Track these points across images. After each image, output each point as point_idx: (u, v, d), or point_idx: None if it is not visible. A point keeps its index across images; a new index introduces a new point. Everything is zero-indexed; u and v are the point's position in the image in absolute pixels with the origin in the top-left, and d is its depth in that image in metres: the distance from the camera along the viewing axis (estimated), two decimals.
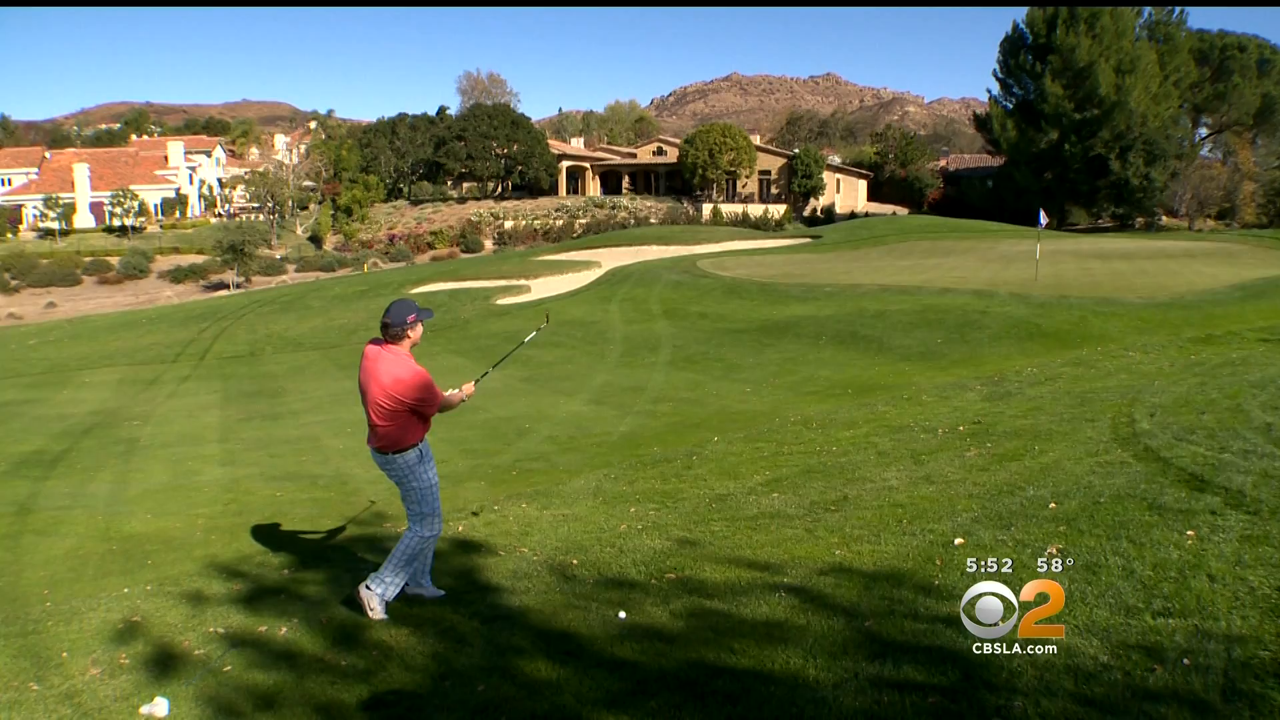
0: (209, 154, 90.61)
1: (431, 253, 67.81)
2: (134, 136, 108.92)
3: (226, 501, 9.69)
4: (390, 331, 5.09)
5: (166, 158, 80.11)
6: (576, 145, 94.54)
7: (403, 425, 5.12)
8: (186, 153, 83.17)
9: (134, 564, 7.25)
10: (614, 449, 11.32)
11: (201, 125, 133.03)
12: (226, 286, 57.01)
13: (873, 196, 76.16)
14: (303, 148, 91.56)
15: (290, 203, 79.11)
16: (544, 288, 35.78)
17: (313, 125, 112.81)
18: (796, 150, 76.99)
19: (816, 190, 71.94)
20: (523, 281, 37.18)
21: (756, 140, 78.79)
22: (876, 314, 22.29)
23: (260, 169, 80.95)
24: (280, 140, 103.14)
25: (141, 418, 17.41)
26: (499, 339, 25.77)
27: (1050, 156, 62.36)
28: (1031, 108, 63.32)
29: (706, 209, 70.17)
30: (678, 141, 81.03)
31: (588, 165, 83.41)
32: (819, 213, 70.62)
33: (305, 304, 37.07)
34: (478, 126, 75.78)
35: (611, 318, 27.43)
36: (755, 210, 69.52)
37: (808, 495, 7.44)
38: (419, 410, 5.11)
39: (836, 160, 79.60)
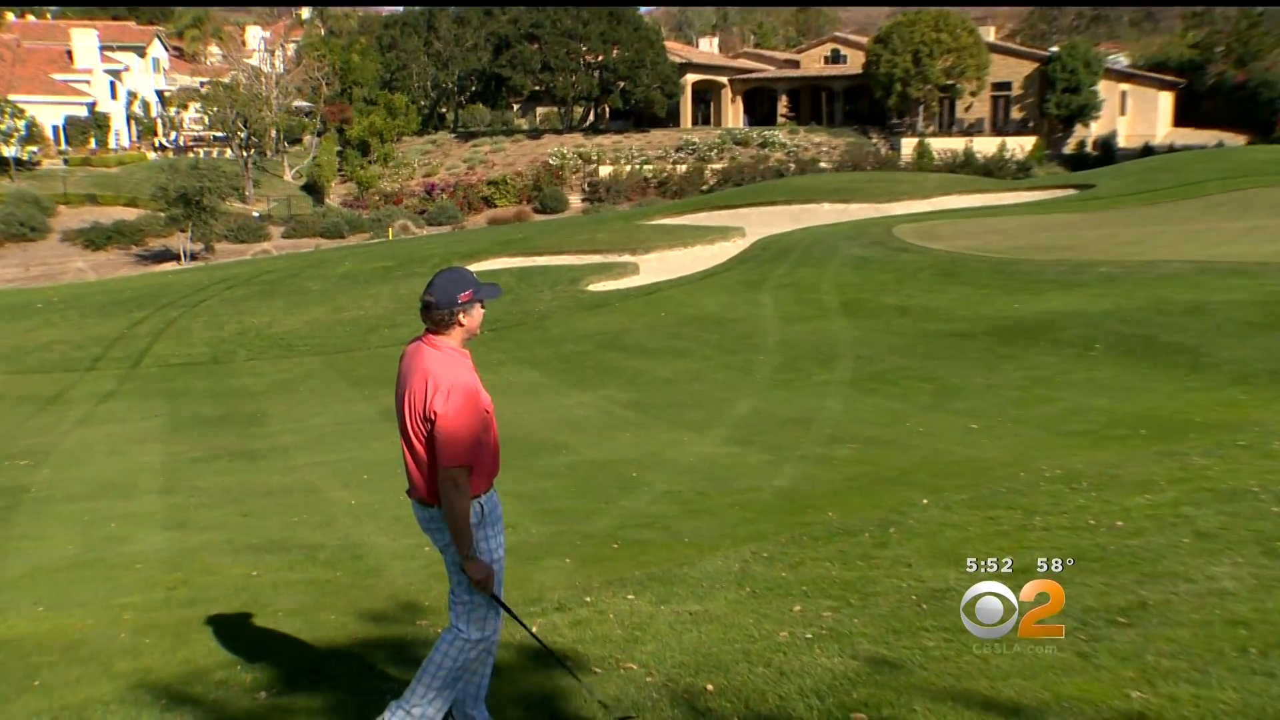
0: (141, 52, 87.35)
1: (490, 212, 69.41)
2: (12, 16, 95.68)
3: (171, 585, 9.83)
4: (433, 314, 4.96)
5: (70, 54, 77.75)
6: (707, 50, 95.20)
7: None
8: (104, 48, 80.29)
9: (12, 688, 7.22)
10: (767, 513, 11.27)
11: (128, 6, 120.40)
12: (176, 257, 57.05)
13: (1183, 119, 74.82)
14: (291, 48, 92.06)
15: (274, 132, 78.74)
16: (658, 267, 36.07)
17: (305, 14, 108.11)
18: (1054, 48, 75.66)
19: (1087, 112, 70.80)
20: (628, 258, 37.65)
21: (989, 35, 77.81)
22: (1190, 309, 21.72)
23: (225, 78, 78.85)
24: (255, 35, 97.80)
25: (33, 455, 17.85)
26: (592, 344, 26.02)
27: None
28: None
29: (908, 146, 69.75)
30: (864, 41, 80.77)
31: (725, 80, 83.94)
32: (1091, 147, 69.41)
33: (299, 287, 38.24)
34: (558, 21, 77.05)
35: (763, 313, 27.41)
36: (986, 146, 68.79)
37: (1079, 599, 7.22)
38: (436, 434, 4.89)
39: (1122, 62, 78.03)
